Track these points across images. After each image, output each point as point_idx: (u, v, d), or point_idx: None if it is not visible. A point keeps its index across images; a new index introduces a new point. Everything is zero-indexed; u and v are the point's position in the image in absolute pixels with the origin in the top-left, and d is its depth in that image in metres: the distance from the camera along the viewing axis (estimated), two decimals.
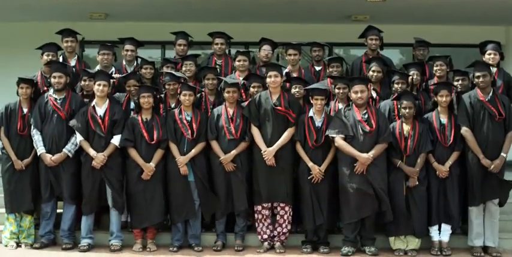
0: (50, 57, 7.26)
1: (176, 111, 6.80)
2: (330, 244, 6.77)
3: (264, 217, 6.77)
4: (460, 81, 6.90)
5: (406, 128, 6.63)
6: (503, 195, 6.68)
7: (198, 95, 7.07)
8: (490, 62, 6.88)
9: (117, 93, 7.14)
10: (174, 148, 6.71)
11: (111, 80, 6.91)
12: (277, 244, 6.75)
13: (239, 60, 7.34)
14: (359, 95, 6.53)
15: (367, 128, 6.49)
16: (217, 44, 7.79)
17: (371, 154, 6.44)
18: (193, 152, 6.70)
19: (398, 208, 6.56)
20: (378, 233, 6.72)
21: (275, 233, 6.80)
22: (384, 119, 6.64)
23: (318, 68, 7.82)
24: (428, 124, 6.69)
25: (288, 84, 7.12)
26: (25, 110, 6.84)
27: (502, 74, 7.14)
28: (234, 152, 6.68)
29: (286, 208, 6.74)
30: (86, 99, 7.01)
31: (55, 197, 6.80)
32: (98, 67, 7.56)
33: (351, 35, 8.29)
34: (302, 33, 9.29)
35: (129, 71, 7.52)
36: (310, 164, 6.58)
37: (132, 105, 7.00)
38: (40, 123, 6.75)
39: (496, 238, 6.72)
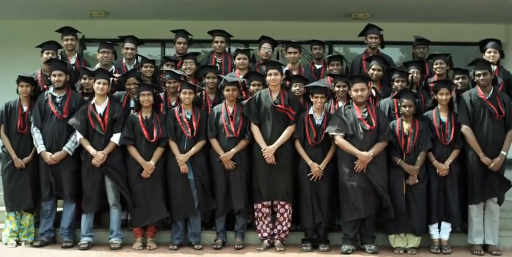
0: (50, 55, 7.26)
1: (176, 109, 6.80)
2: (330, 242, 6.78)
3: (264, 215, 6.77)
4: (460, 80, 6.90)
5: (406, 126, 6.63)
6: (502, 194, 6.68)
7: (199, 94, 7.07)
8: (490, 60, 6.87)
9: (117, 92, 7.13)
10: (174, 146, 6.71)
11: (111, 79, 6.91)
12: (277, 242, 6.75)
13: (239, 59, 7.34)
14: (359, 93, 6.53)
15: (367, 127, 6.49)
16: (217, 42, 7.80)
17: (371, 152, 6.44)
18: (193, 150, 6.70)
19: (398, 206, 6.56)
20: (377, 232, 6.72)
21: (275, 231, 6.80)
22: (384, 118, 6.65)
23: (318, 66, 7.83)
24: (428, 122, 6.69)
25: (288, 82, 7.12)
26: (25, 108, 6.84)
27: (502, 72, 7.14)
28: (233, 150, 6.68)
29: (286, 206, 6.75)
30: (86, 98, 7.01)
31: (55, 195, 6.79)
32: (98, 65, 7.57)
33: (351, 33, 8.29)
34: (302, 31, 9.27)
35: (129, 69, 7.52)
36: (309, 162, 6.58)
37: (132, 103, 7.00)
38: (40, 121, 6.75)
39: (496, 236, 6.72)
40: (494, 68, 6.90)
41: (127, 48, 7.74)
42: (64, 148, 6.71)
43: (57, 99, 6.80)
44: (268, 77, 6.71)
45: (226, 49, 8.10)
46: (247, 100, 6.85)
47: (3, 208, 6.93)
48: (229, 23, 8.70)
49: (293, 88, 6.95)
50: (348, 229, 6.61)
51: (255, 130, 6.70)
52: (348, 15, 10.05)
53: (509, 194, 6.89)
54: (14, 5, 9.67)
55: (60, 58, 7.39)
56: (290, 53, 7.49)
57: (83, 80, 7.09)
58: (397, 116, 6.80)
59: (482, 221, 6.67)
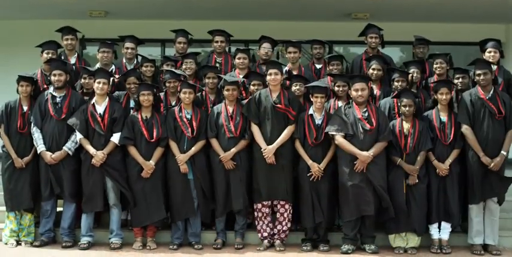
0: (50, 55, 7.27)
1: (176, 109, 6.79)
2: (330, 242, 6.78)
3: (264, 215, 6.77)
4: (460, 79, 6.90)
5: (406, 126, 6.63)
6: (502, 193, 6.67)
7: (199, 94, 7.07)
8: (490, 60, 6.87)
9: (117, 92, 7.13)
10: (174, 146, 6.71)
11: (111, 79, 6.91)
12: (277, 242, 6.75)
13: (239, 58, 7.34)
14: (359, 93, 6.53)
15: (368, 126, 6.49)
16: (217, 41, 7.80)
17: (371, 152, 6.44)
18: (193, 150, 6.70)
19: (398, 206, 6.56)
20: (377, 231, 6.72)
21: (275, 231, 6.80)
22: (384, 117, 6.65)
23: (318, 66, 7.83)
24: (428, 122, 6.69)
25: (288, 82, 7.12)
26: (25, 108, 6.84)
27: (502, 72, 7.14)
28: (233, 150, 6.68)
29: (286, 206, 6.74)
30: (86, 97, 7.01)
31: (55, 195, 6.79)
32: (98, 65, 7.56)
33: (351, 33, 8.29)
34: (302, 31, 9.27)
35: (129, 69, 7.51)
36: (309, 162, 6.58)
37: (132, 103, 6.99)
38: (40, 121, 6.75)
39: (496, 236, 6.72)
40: (494, 67, 6.90)
41: (127, 48, 7.74)
42: (64, 147, 6.71)
43: (57, 99, 6.80)
44: (268, 77, 6.71)
45: (227, 49, 8.10)
46: (247, 100, 6.85)
47: (3, 208, 6.93)
48: (229, 23, 8.70)
49: (293, 88, 6.95)
50: (348, 228, 6.61)
51: (255, 129, 6.69)
52: (348, 15, 10.05)
53: (509, 194, 6.88)
54: (14, 5, 9.66)
55: (60, 58, 7.39)
56: (290, 52, 7.49)
57: (83, 80, 7.09)
58: (397, 116, 6.80)
59: (482, 221, 6.67)
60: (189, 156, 6.68)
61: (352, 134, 6.51)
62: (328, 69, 7.45)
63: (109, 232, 6.80)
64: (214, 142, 6.73)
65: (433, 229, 6.69)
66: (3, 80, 7.16)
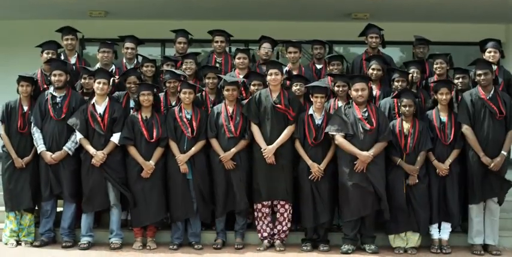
0: (50, 55, 7.27)
1: (176, 109, 6.79)
2: (330, 242, 6.78)
3: (264, 215, 6.77)
4: (460, 79, 6.90)
5: (406, 126, 6.63)
6: (502, 194, 6.67)
7: (199, 94, 7.07)
8: (490, 60, 6.87)
9: (116, 92, 7.12)
10: (174, 146, 6.71)
11: (112, 80, 6.90)
12: (277, 242, 6.75)
13: (239, 58, 7.34)
14: (360, 93, 6.53)
15: (368, 127, 6.49)
16: (217, 41, 7.80)
17: (371, 152, 6.44)
18: (193, 150, 6.70)
19: (397, 206, 6.56)
20: (377, 231, 6.72)
21: (275, 231, 6.80)
22: (384, 118, 6.65)
23: (319, 66, 7.82)
24: (428, 122, 6.69)
25: (288, 82, 7.12)
26: (25, 108, 6.84)
27: (502, 72, 7.14)
28: (233, 150, 6.68)
29: (286, 206, 6.74)
30: (86, 97, 7.01)
31: (55, 195, 6.79)
32: (98, 65, 7.56)
33: (351, 33, 8.29)
34: (302, 31, 9.27)
35: (129, 69, 7.52)
36: (309, 162, 6.58)
37: (132, 103, 6.99)
38: (40, 121, 6.75)
39: (496, 236, 6.72)
40: (494, 67, 6.89)
41: (127, 48, 7.74)
42: (64, 147, 6.71)
43: (57, 99, 6.80)
44: (268, 77, 6.71)
45: (227, 49, 8.10)
46: (247, 100, 6.85)
47: (3, 208, 6.93)
48: (229, 23, 8.70)
49: (294, 88, 6.95)
50: (348, 229, 6.61)
51: (255, 129, 6.69)
52: (348, 15, 10.05)
53: (509, 194, 6.88)
54: (14, 5, 9.66)
55: (60, 58, 7.39)
56: (290, 52, 7.49)
57: (83, 80, 7.09)
58: (397, 116, 6.80)
59: (482, 221, 6.67)
60: (189, 156, 6.67)
61: (352, 134, 6.51)
62: (328, 69, 7.45)
63: (109, 232, 6.80)
64: (214, 142, 6.73)
65: (433, 229, 6.69)
66: (3, 80, 7.17)
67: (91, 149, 6.62)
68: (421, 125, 6.63)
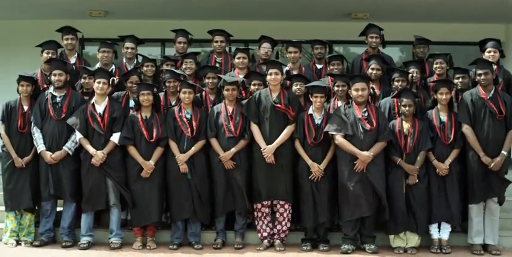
0: (50, 55, 7.27)
1: (176, 109, 6.79)
2: (330, 242, 6.77)
3: (264, 214, 6.77)
4: (460, 79, 6.90)
5: (406, 126, 6.63)
6: (502, 194, 6.67)
7: (198, 94, 7.07)
8: (490, 60, 6.87)
9: (116, 93, 7.12)
10: (173, 145, 6.71)
11: (111, 80, 6.90)
12: (277, 241, 6.75)
13: (238, 58, 7.34)
14: (360, 93, 6.53)
15: (368, 127, 6.49)
16: (216, 41, 7.80)
17: (371, 152, 6.44)
18: (193, 150, 6.70)
19: (397, 206, 6.56)
20: (377, 231, 6.72)
21: (275, 231, 6.80)
22: (384, 117, 6.65)
23: (319, 66, 7.82)
24: (428, 122, 6.69)
25: (288, 82, 7.12)
26: (25, 108, 6.84)
27: (502, 71, 7.14)
28: (233, 149, 6.68)
29: (286, 206, 6.74)
30: (86, 97, 7.01)
31: (55, 195, 6.78)
32: (98, 65, 7.56)
33: (351, 33, 8.29)
34: (302, 31, 9.28)
35: (129, 69, 7.52)
36: (309, 162, 6.58)
37: (132, 103, 6.99)
38: (40, 121, 6.75)
39: (496, 236, 6.72)
40: (494, 67, 6.89)
41: (127, 48, 7.75)
42: (64, 147, 6.71)
43: (57, 99, 6.80)
44: (268, 77, 6.71)
45: (227, 49, 8.10)
46: (246, 100, 6.85)
47: (3, 208, 6.92)
48: (229, 23, 8.70)
49: (294, 87, 6.95)
50: (348, 228, 6.61)
51: (255, 129, 6.69)
52: (348, 15, 10.05)
53: (509, 194, 6.89)
54: (14, 5, 9.66)
55: (60, 58, 7.39)
56: (290, 52, 7.49)
57: (82, 80, 7.09)
58: (397, 115, 6.80)
59: (482, 221, 6.67)
60: (188, 156, 6.67)
61: (352, 135, 6.51)
62: (328, 69, 7.45)
63: (109, 231, 6.80)
64: (214, 142, 6.73)
65: (433, 229, 6.69)
66: (3, 80, 7.17)
67: (91, 149, 6.62)
68: (421, 125, 6.63)
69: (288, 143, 6.69)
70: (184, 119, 6.73)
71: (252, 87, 6.95)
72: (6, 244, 6.82)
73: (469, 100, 6.62)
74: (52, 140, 6.73)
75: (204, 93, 7.16)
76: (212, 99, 7.12)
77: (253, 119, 6.71)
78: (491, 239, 6.67)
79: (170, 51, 9.18)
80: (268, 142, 6.64)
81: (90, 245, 6.72)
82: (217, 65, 7.64)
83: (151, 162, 6.64)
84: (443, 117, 6.67)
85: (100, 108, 6.71)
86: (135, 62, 7.77)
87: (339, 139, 6.50)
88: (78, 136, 6.69)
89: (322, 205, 6.63)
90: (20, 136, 6.81)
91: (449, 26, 10.29)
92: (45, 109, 6.77)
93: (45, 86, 7.17)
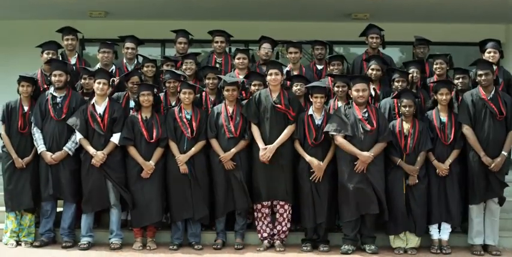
0: (50, 55, 7.26)
1: (176, 109, 6.79)
2: (330, 242, 6.77)
3: (264, 215, 6.77)
4: (460, 80, 6.89)
5: (406, 126, 6.62)
6: (501, 194, 6.67)
7: (198, 95, 7.07)
8: (490, 61, 6.87)
9: (116, 93, 7.12)
10: (173, 146, 6.71)
11: (111, 80, 6.90)
12: (277, 242, 6.74)
13: (238, 58, 7.34)
14: (360, 93, 6.53)
15: (368, 127, 6.49)
16: (217, 42, 7.80)
17: (372, 152, 6.44)
18: (193, 150, 6.70)
19: (397, 207, 6.56)
20: (377, 232, 6.72)
21: (275, 231, 6.80)
22: (384, 118, 6.65)
23: (320, 67, 7.81)
24: (428, 122, 6.69)
25: (288, 82, 7.12)
26: (26, 108, 6.83)
27: (502, 72, 7.13)
28: (233, 150, 6.68)
29: (286, 207, 6.74)
30: (86, 97, 7.01)
31: (54, 195, 6.78)
32: (98, 65, 7.56)
33: (351, 33, 8.29)
34: (302, 31, 9.28)
35: (129, 69, 7.53)
36: (307, 158, 6.55)
37: (132, 103, 6.99)
38: (41, 121, 6.75)
39: (496, 237, 6.71)
40: (494, 68, 6.89)
41: (127, 48, 7.74)
42: (64, 147, 6.71)
43: (58, 100, 6.80)
44: (268, 77, 6.71)
45: (227, 49, 8.09)
46: (246, 100, 6.85)
47: (4, 208, 6.92)
48: (229, 23, 8.70)
49: (294, 88, 6.94)
50: (349, 229, 6.61)
51: (255, 129, 6.69)
52: (348, 15, 10.06)
53: (509, 194, 6.88)
54: (14, 5, 9.66)
55: (60, 58, 7.39)
56: (291, 53, 7.48)
57: (83, 80, 7.09)
58: (397, 116, 6.80)
59: (482, 221, 6.66)
60: (188, 156, 6.67)
61: (352, 135, 6.50)
62: (328, 69, 7.45)
63: (109, 232, 6.79)
64: (214, 142, 6.73)
65: (433, 229, 6.69)
66: (3, 80, 7.17)
67: (91, 150, 6.62)
68: (421, 125, 6.63)
69: (288, 143, 6.68)
70: (184, 120, 6.73)
71: (252, 87, 6.95)
72: (6, 244, 6.82)
73: (469, 101, 6.62)
74: (52, 140, 6.73)
75: (204, 93, 7.15)
76: (212, 99, 7.12)
77: (253, 119, 6.71)
78: (491, 239, 6.67)
79: (170, 52, 9.19)
80: (269, 142, 6.63)
81: (90, 246, 6.72)
82: (218, 65, 7.64)
83: (152, 162, 6.63)
84: (444, 117, 6.67)
85: (100, 109, 6.70)
86: (135, 62, 7.77)
87: (339, 139, 6.50)
88: (78, 136, 6.68)
89: (321, 205, 6.63)
90: (20, 137, 6.81)
91: (449, 26, 10.29)
92: (45, 110, 6.77)
93: (46, 86, 7.17)
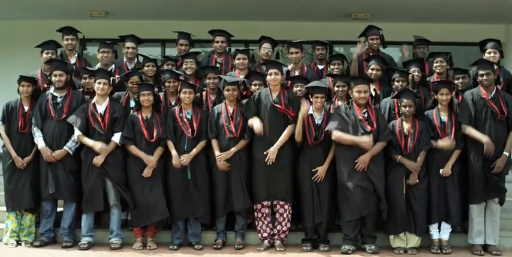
0: (50, 55, 7.27)
1: (176, 109, 6.79)
2: (330, 242, 6.77)
3: (264, 215, 6.77)
4: (460, 80, 6.89)
5: (406, 126, 6.62)
6: (502, 194, 6.67)
7: (199, 94, 7.06)
8: (491, 60, 6.87)
9: (116, 93, 7.12)
10: (171, 145, 6.70)
11: (111, 78, 6.90)
12: (277, 242, 6.74)
13: (238, 59, 7.34)
14: (362, 95, 6.53)
15: (369, 128, 6.50)
16: (217, 42, 7.79)
17: (372, 152, 6.41)
18: (195, 151, 6.69)
19: (397, 206, 6.56)
20: (378, 231, 6.71)
21: (275, 231, 6.80)
22: (383, 118, 6.65)
23: (320, 67, 7.81)
24: (429, 122, 6.68)
25: (289, 82, 7.11)
26: (26, 108, 6.83)
27: (502, 72, 7.13)
28: (233, 149, 6.67)
29: (286, 206, 6.74)
30: (87, 96, 7.01)
31: (54, 196, 6.78)
32: (98, 65, 7.56)
33: (351, 33, 8.29)
34: (302, 31, 9.27)
35: (129, 68, 7.53)
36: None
37: (132, 103, 6.99)
38: (41, 121, 6.74)
39: (497, 237, 6.71)
40: (495, 67, 6.89)
41: (127, 48, 7.75)
42: (65, 147, 6.71)
43: (58, 99, 6.80)
44: (268, 77, 6.70)
45: (227, 49, 8.09)
46: (246, 99, 6.85)
47: (4, 208, 6.92)
48: (229, 23, 8.69)
49: (294, 89, 6.93)
50: (349, 229, 6.61)
51: (256, 120, 6.63)
52: (348, 15, 10.06)
53: (509, 194, 6.88)
54: (14, 5, 9.67)
55: (60, 58, 7.39)
56: (292, 53, 7.48)
57: (83, 80, 7.09)
58: (397, 116, 6.80)
59: (483, 221, 6.66)
60: (191, 157, 6.67)
61: (353, 135, 6.51)
62: (329, 69, 7.44)
63: (109, 232, 6.79)
64: (214, 143, 6.73)
65: (433, 229, 6.69)
66: (4, 80, 7.17)
67: (90, 142, 6.59)
68: (421, 125, 6.63)
69: (288, 143, 6.68)
70: (185, 120, 6.73)
71: (253, 87, 6.95)
72: (6, 244, 6.82)
73: (469, 100, 6.61)
74: (53, 140, 6.72)
75: (204, 93, 7.15)
76: (213, 99, 7.12)
77: (252, 115, 6.69)
78: (492, 239, 6.67)
79: (170, 52, 9.19)
80: (268, 141, 6.62)
81: (90, 246, 6.72)
82: (218, 65, 7.65)
83: (154, 158, 6.61)
84: (444, 117, 6.67)
85: (101, 109, 6.71)
86: (135, 61, 7.78)
87: (336, 133, 6.48)
88: (76, 133, 6.66)
89: (321, 205, 6.62)
90: (20, 136, 6.80)
91: (449, 26, 10.29)
92: (45, 110, 6.76)
93: (46, 86, 7.17)
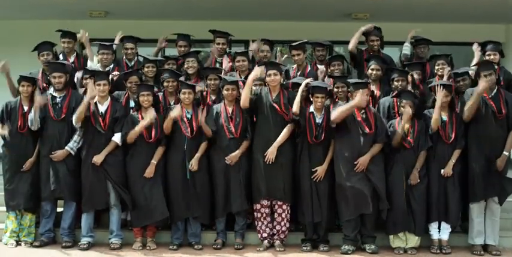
0: (45, 57, 7.28)
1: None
2: (330, 242, 6.77)
3: (264, 215, 6.77)
4: (460, 82, 6.86)
5: (406, 126, 6.62)
6: (503, 194, 6.67)
7: (199, 93, 7.07)
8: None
9: (116, 92, 7.13)
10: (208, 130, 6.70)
11: (110, 77, 6.91)
12: (277, 242, 6.75)
13: (238, 61, 7.33)
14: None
15: (367, 130, 6.51)
16: (218, 43, 7.79)
17: (370, 153, 6.43)
18: (199, 154, 6.69)
19: (397, 206, 6.56)
20: (377, 231, 6.72)
21: (275, 231, 6.80)
22: (380, 120, 6.66)
23: (320, 68, 7.79)
24: (430, 120, 6.67)
25: (290, 84, 7.10)
26: (26, 108, 6.83)
27: (502, 72, 7.15)
28: (238, 151, 6.68)
29: (284, 206, 6.74)
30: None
31: (54, 196, 6.78)
32: (98, 65, 7.56)
33: (351, 33, 8.25)
34: (302, 31, 9.27)
35: (129, 66, 7.55)
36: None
37: (132, 103, 6.99)
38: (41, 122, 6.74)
39: (497, 237, 6.71)
40: (496, 67, 6.89)
41: (127, 49, 7.75)
42: (66, 147, 6.71)
43: (57, 100, 6.80)
44: (267, 78, 6.71)
45: (227, 49, 8.10)
46: None
47: (4, 208, 6.92)
48: (229, 23, 8.70)
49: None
50: (349, 229, 6.61)
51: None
52: (348, 15, 10.06)
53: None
54: (14, 5, 9.67)
55: (59, 56, 7.40)
56: (294, 55, 7.48)
57: (83, 81, 7.09)
58: (396, 115, 6.80)
59: (483, 221, 6.66)
60: (197, 160, 6.66)
61: (352, 137, 6.51)
62: (329, 70, 7.44)
63: (109, 232, 6.80)
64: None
65: (433, 229, 6.69)
66: (4, 80, 7.16)
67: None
68: (420, 124, 6.63)
69: (287, 142, 6.68)
70: (185, 119, 6.73)
71: (253, 87, 6.95)
72: (6, 244, 6.82)
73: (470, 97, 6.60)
74: (53, 140, 6.72)
75: (205, 93, 7.15)
76: (213, 98, 7.12)
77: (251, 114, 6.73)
78: (492, 239, 6.67)
79: (170, 52, 9.17)
80: (268, 140, 6.63)
81: (90, 246, 6.72)
82: (218, 65, 7.65)
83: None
84: (444, 116, 6.67)
85: (102, 108, 6.71)
86: (135, 59, 7.78)
87: (333, 114, 6.47)
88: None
89: (320, 204, 6.63)
90: (20, 136, 6.80)
91: (449, 26, 10.28)
92: (45, 110, 6.76)
93: (45, 85, 7.18)
